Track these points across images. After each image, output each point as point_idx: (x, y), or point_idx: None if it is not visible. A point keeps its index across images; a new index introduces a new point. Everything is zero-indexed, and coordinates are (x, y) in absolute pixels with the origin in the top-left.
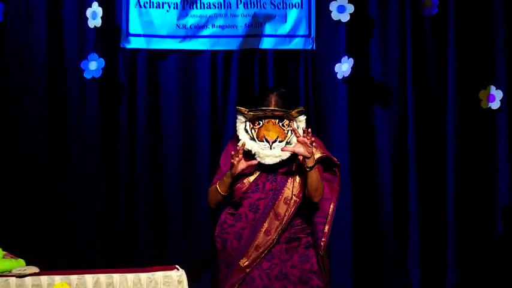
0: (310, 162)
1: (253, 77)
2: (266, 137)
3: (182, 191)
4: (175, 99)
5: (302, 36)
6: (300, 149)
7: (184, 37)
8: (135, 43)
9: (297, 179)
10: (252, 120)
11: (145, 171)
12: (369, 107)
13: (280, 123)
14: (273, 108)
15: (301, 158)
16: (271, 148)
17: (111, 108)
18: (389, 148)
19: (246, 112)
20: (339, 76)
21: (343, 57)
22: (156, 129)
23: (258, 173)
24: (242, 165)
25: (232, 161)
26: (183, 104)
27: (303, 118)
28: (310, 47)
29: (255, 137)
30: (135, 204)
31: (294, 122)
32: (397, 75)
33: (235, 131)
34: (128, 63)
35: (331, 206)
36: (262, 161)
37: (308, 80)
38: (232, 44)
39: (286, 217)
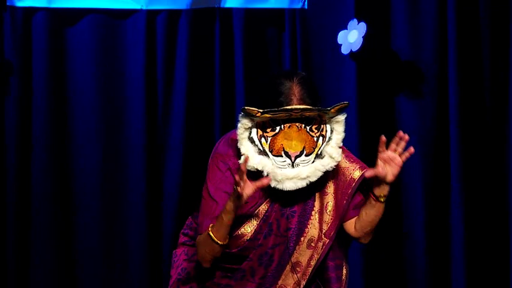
0: (386, 189)
1: (211, 51)
2: (287, 149)
3: (101, 223)
4: (92, 84)
5: None
6: (385, 171)
7: None
8: None
9: (329, 208)
10: (262, 125)
11: (45, 190)
12: (389, 97)
13: (308, 127)
14: (304, 107)
15: (349, 173)
16: (293, 166)
17: None
18: (420, 156)
19: (258, 114)
20: (345, 50)
21: (351, 22)
22: (63, 129)
23: (268, 205)
24: (249, 189)
25: (237, 188)
26: (105, 91)
27: (342, 118)
28: (300, 6)
29: (267, 150)
30: (30, 241)
31: (327, 124)
32: (433, 50)
33: (230, 140)
34: (19, 30)
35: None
36: (280, 186)
37: (296, 54)
38: (180, 1)
39: (310, 268)
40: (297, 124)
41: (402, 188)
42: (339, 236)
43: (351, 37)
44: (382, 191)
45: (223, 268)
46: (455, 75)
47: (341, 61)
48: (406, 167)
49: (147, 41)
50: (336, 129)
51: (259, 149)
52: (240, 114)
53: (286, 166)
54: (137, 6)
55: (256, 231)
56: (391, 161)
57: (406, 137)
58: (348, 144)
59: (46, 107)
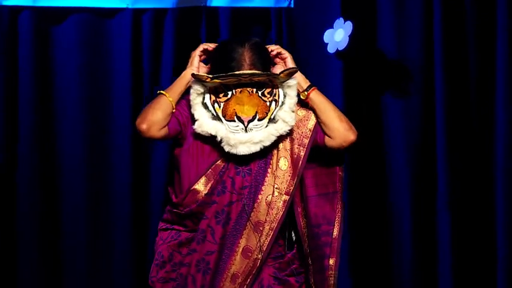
0: (302, 83)
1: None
2: (239, 114)
3: (87, 218)
4: (78, 82)
5: None
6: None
7: None
8: None
9: (282, 164)
10: (215, 90)
11: (32, 190)
12: (375, 96)
13: (260, 92)
14: (252, 72)
15: (308, 118)
16: (246, 130)
17: None
18: (407, 156)
19: (208, 80)
20: (331, 49)
21: (337, 20)
22: (49, 127)
23: (223, 163)
24: (203, 69)
25: (194, 55)
26: (91, 89)
27: (293, 82)
28: (286, 4)
29: (220, 115)
30: (15, 237)
31: (280, 89)
32: (419, 49)
33: (188, 106)
34: (4, 28)
35: (339, 204)
36: (234, 151)
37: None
38: (165, 0)
39: (273, 225)
40: (248, 89)
41: (389, 187)
42: (323, 205)
43: (337, 36)
44: (300, 87)
45: (185, 241)
46: (442, 73)
47: (327, 60)
48: (392, 165)
49: (133, 40)
50: (289, 94)
51: (212, 114)
52: (192, 80)
53: (240, 131)
54: (123, 5)
55: (212, 187)
56: (280, 60)
57: (271, 47)
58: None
59: (32, 105)
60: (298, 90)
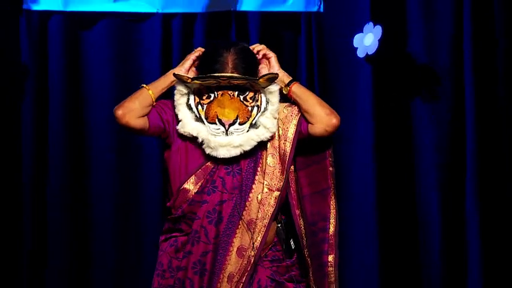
0: (283, 78)
1: None
2: (220, 117)
3: (117, 221)
4: (108, 87)
5: None
6: (265, 70)
7: None
8: (45, 3)
9: (270, 160)
10: (199, 92)
11: (63, 193)
12: (405, 100)
13: (241, 97)
14: (230, 74)
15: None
16: (227, 134)
17: (7, 100)
18: (435, 159)
19: (189, 81)
20: (360, 53)
21: (367, 25)
22: (79, 131)
23: (213, 164)
24: (193, 72)
25: (189, 56)
26: (120, 94)
27: (275, 88)
28: (316, 9)
29: (202, 116)
30: (48, 245)
31: (262, 94)
32: (449, 54)
33: (173, 106)
34: (35, 33)
35: (332, 199)
36: (214, 153)
37: (312, 58)
38: (195, 4)
39: (265, 222)
40: (230, 92)
41: (418, 190)
42: (320, 200)
43: (367, 40)
44: (281, 83)
45: (181, 246)
46: (471, 78)
47: (357, 64)
48: (421, 168)
49: (163, 44)
50: (271, 100)
51: (195, 115)
52: (175, 81)
53: (220, 134)
54: (153, 10)
55: (202, 186)
56: (264, 59)
57: (253, 46)
58: (364, 147)
59: (62, 109)
60: (280, 87)
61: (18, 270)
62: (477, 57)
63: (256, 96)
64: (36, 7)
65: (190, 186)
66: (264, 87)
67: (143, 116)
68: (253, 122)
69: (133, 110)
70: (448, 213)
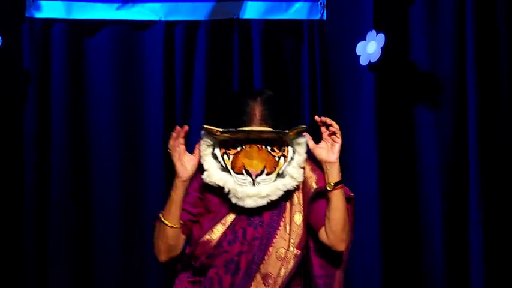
0: (335, 174)
1: (230, 63)
2: (248, 167)
3: (120, 222)
4: (110, 95)
5: (306, 0)
6: (322, 150)
7: (125, 1)
8: (48, 10)
9: (297, 218)
10: (225, 143)
11: (65, 199)
12: (408, 107)
13: (269, 148)
14: (261, 129)
15: (310, 183)
16: (254, 184)
17: (9, 107)
18: (438, 166)
19: (218, 134)
20: (363, 61)
21: (369, 33)
22: (82, 139)
23: (235, 214)
24: (191, 160)
25: (172, 157)
26: (123, 102)
27: (303, 140)
28: (318, 17)
29: (229, 167)
30: (48, 251)
31: (290, 146)
32: (452, 61)
33: (199, 156)
34: (38, 40)
35: (344, 254)
36: (240, 203)
37: (315, 66)
38: (198, 12)
39: (280, 279)
40: (258, 145)
41: (421, 197)
42: (327, 255)
43: (370, 48)
44: (329, 177)
45: (192, 282)
46: (474, 86)
47: (359, 72)
48: (424, 176)
49: (166, 52)
50: (298, 151)
51: (221, 165)
52: (202, 132)
53: (247, 184)
54: (156, 18)
55: (221, 239)
56: (330, 139)
57: (324, 118)
58: (367, 155)
59: (64, 116)
60: (326, 179)
61: (20, 271)
62: (480, 65)
63: (283, 146)
64: (39, 15)
65: (212, 237)
66: (292, 139)
67: (177, 241)
68: (280, 171)
69: (168, 250)
70: (451, 217)
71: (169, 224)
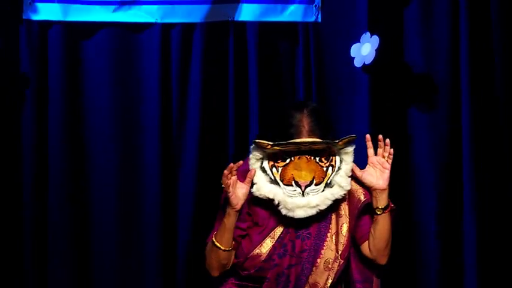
0: (383, 200)
1: (225, 64)
2: (297, 179)
3: (118, 222)
4: (107, 96)
5: (301, 2)
6: (371, 177)
7: (122, 3)
8: (45, 13)
9: (343, 229)
10: (273, 156)
11: (63, 201)
12: (402, 109)
13: (317, 158)
14: (312, 140)
15: (358, 195)
16: (303, 195)
17: (7, 109)
18: (432, 167)
19: (268, 147)
20: (357, 63)
21: (364, 35)
22: (79, 141)
23: (283, 227)
24: (242, 189)
25: (226, 190)
26: (120, 103)
27: (351, 149)
28: (313, 19)
29: (278, 179)
30: (47, 253)
31: (337, 156)
32: (446, 63)
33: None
34: (35, 42)
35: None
36: (290, 214)
37: (310, 67)
38: (194, 14)
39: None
40: (307, 156)
41: (414, 198)
42: (365, 261)
43: (364, 50)
44: (378, 202)
45: (239, 285)
46: (468, 87)
47: (354, 74)
48: (418, 176)
49: (162, 54)
50: (345, 160)
51: (270, 178)
52: (252, 146)
53: (297, 195)
54: (152, 20)
55: (271, 252)
56: (379, 165)
57: (388, 141)
58: (360, 156)
59: (62, 118)
60: (373, 203)
61: (19, 272)
62: (474, 67)
63: (331, 156)
64: (36, 17)
65: (260, 252)
66: (340, 149)
67: (229, 259)
68: (328, 181)
69: (220, 267)
70: (445, 217)
71: (222, 248)
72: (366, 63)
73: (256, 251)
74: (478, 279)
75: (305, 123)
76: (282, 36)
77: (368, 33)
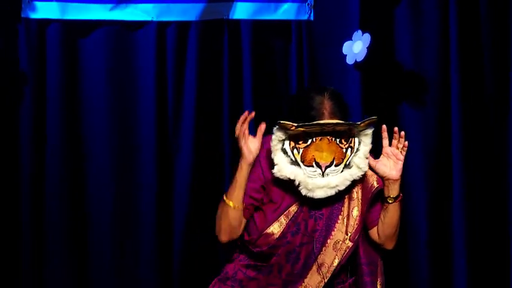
0: (395, 190)
1: (220, 62)
2: (318, 160)
3: (115, 222)
4: (104, 94)
5: (294, 1)
6: (385, 168)
7: (118, 2)
8: (43, 11)
9: (354, 213)
10: (295, 137)
11: (60, 200)
12: (393, 106)
13: (338, 140)
14: (336, 121)
15: (371, 181)
16: (323, 175)
17: (5, 107)
18: (423, 163)
19: (292, 128)
20: (349, 60)
21: (356, 33)
22: (76, 137)
23: (297, 206)
24: (253, 143)
25: (239, 141)
26: (117, 100)
27: (370, 131)
28: (306, 17)
29: (299, 160)
30: (44, 252)
31: (356, 138)
32: (436, 61)
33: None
34: (34, 41)
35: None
36: (310, 195)
37: (303, 65)
38: (189, 13)
39: (332, 269)
40: (328, 137)
41: (405, 195)
42: (372, 243)
43: (356, 48)
44: (390, 191)
45: (253, 266)
46: (457, 84)
47: (346, 71)
48: (408, 172)
49: (158, 52)
50: (364, 141)
51: (291, 159)
52: (275, 127)
53: (317, 176)
54: (148, 18)
55: (285, 230)
56: (393, 156)
57: (403, 133)
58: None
59: (60, 116)
60: (385, 192)
61: (16, 271)
62: (463, 64)
63: (350, 138)
64: (34, 15)
65: (273, 231)
66: (360, 131)
67: (241, 223)
68: (347, 162)
69: (230, 231)
70: (435, 214)
71: (232, 205)
72: (358, 60)
73: (271, 228)
74: (467, 280)
75: (327, 105)
76: (275, 34)
77: (360, 31)
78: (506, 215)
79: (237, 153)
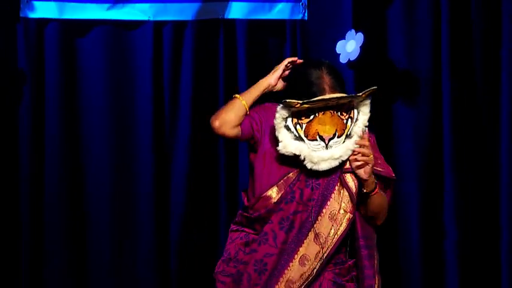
0: (369, 185)
1: (216, 61)
2: (321, 133)
3: (113, 221)
4: (102, 93)
5: (288, 1)
6: (359, 169)
7: (116, 1)
8: (41, 11)
9: (351, 185)
10: (297, 113)
11: (59, 199)
12: (386, 104)
13: (339, 112)
14: (339, 95)
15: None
16: (327, 148)
17: (4, 105)
18: (416, 161)
19: (297, 105)
20: (343, 59)
21: (349, 32)
22: (75, 136)
23: (295, 174)
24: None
25: (277, 69)
26: (114, 99)
27: (368, 101)
28: (300, 17)
29: (302, 135)
30: (43, 251)
31: (355, 109)
32: (428, 60)
33: (263, 112)
34: (32, 40)
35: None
36: (316, 167)
37: None
38: (185, 12)
39: (331, 240)
40: (331, 111)
41: (397, 192)
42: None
43: (349, 47)
44: (364, 188)
45: (251, 240)
46: (449, 83)
47: (339, 70)
48: (401, 170)
49: (154, 51)
50: (363, 111)
51: (294, 135)
52: (279, 106)
53: (321, 148)
54: (144, 18)
55: (282, 196)
56: (362, 155)
57: (366, 131)
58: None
59: (58, 115)
60: (362, 186)
61: (15, 271)
62: (454, 63)
63: (350, 109)
64: (32, 15)
65: (272, 194)
66: (360, 102)
67: (237, 126)
68: (348, 132)
69: (229, 122)
70: (427, 214)
71: (241, 99)
72: (351, 59)
73: (269, 192)
74: (459, 280)
75: (326, 79)
76: (270, 34)
77: (353, 31)
78: (498, 215)
79: (232, 153)
